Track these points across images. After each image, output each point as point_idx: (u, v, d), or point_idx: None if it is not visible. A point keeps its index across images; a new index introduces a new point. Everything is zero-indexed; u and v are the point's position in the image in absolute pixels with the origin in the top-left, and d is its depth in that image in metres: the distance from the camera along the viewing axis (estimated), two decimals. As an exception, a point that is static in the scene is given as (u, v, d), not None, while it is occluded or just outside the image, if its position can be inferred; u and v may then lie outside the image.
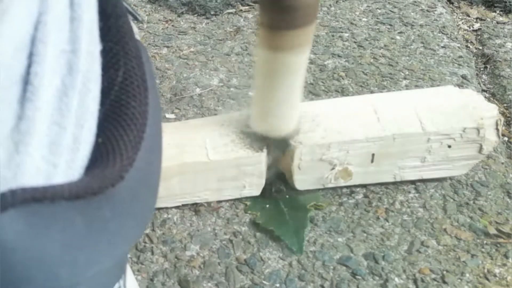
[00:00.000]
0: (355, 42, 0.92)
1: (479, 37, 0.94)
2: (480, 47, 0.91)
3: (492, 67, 0.86)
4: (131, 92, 0.23)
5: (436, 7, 1.01)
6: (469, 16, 1.00)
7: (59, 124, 0.20)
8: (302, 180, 0.61)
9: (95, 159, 0.22)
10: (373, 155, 0.59)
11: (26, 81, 0.20)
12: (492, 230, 0.58)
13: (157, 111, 0.25)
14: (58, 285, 0.20)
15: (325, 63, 0.86)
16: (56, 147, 0.20)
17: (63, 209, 0.19)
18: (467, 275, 0.54)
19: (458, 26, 0.97)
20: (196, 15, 1.02)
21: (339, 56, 0.88)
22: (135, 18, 0.30)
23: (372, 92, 0.79)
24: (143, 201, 0.24)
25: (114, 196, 0.21)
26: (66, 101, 0.21)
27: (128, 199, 0.22)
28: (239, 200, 0.62)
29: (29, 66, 0.20)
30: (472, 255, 0.56)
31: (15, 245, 0.18)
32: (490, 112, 0.59)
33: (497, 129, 0.59)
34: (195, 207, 0.62)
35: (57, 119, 0.20)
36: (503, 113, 0.76)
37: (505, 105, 0.77)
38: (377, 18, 0.99)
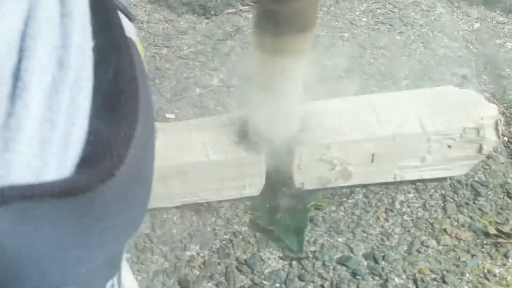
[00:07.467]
0: (355, 42, 0.92)
1: (479, 37, 0.94)
2: (480, 47, 0.91)
3: (492, 67, 0.86)
4: (122, 89, 0.23)
5: (436, 7, 1.01)
6: (469, 16, 1.00)
7: (49, 121, 0.20)
8: (302, 180, 0.61)
9: (86, 156, 0.22)
10: (373, 155, 0.59)
11: (16, 77, 0.19)
12: (492, 230, 0.58)
13: (148, 107, 0.25)
14: (50, 282, 0.20)
15: (325, 63, 0.86)
16: (47, 145, 0.20)
17: (53, 206, 0.19)
18: (467, 275, 0.54)
19: (458, 26, 0.97)
20: (196, 15, 1.02)
21: (339, 56, 0.88)
22: (128, 18, 0.30)
23: (372, 92, 0.79)
24: (136, 199, 0.24)
25: (105, 194, 0.21)
26: (56, 98, 0.20)
27: (120, 196, 0.22)
28: (239, 200, 0.62)
29: (19, 62, 0.20)
30: (472, 255, 0.56)
31: (5, 243, 0.18)
32: (490, 112, 0.59)
33: (497, 129, 0.59)
34: (195, 207, 0.62)
35: (47, 116, 0.20)
36: (503, 113, 0.75)
37: (505, 105, 0.77)
38: (377, 18, 0.99)
